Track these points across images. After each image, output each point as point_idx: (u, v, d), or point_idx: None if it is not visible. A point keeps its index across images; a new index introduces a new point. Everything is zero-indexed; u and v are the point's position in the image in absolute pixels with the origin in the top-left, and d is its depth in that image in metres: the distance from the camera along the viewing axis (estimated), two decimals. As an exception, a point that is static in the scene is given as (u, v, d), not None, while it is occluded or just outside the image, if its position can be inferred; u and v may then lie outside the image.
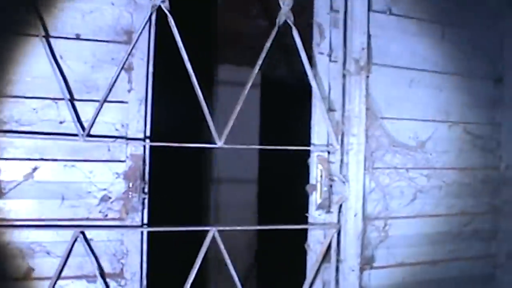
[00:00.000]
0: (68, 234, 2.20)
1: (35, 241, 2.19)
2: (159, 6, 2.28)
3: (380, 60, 2.70)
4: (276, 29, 2.46)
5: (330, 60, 2.64)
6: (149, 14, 2.26)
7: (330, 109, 2.63)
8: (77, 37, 2.24)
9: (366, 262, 2.65)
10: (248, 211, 5.08)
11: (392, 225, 2.72)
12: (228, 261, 2.39)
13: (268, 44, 2.43)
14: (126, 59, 2.25)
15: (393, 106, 2.74)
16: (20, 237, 2.17)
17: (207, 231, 2.39)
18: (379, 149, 2.69)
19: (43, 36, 2.16)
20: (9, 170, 2.16)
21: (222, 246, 2.36)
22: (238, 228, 2.43)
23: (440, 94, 2.84)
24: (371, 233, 2.67)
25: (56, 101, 2.20)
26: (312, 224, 2.60)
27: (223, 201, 5.11)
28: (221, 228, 2.39)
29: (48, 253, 2.20)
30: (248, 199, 5.20)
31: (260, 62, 2.43)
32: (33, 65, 2.18)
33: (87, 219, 2.26)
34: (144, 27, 2.27)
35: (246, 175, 5.19)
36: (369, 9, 2.64)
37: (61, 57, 2.21)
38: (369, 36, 2.66)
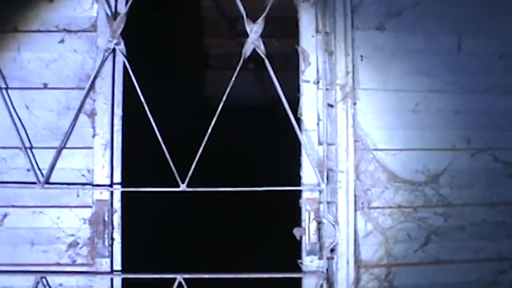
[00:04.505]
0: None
1: (7, 285, 2.27)
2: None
3: (374, 84, 2.36)
4: (242, 60, 2.29)
5: (318, 88, 2.39)
6: (103, 58, 2.26)
7: (320, 143, 2.37)
8: (45, 87, 2.31)
9: (363, 319, 2.31)
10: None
11: (399, 274, 2.34)
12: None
13: (235, 75, 2.27)
14: (81, 106, 2.27)
15: (395, 136, 2.37)
16: (-7, 282, 2.28)
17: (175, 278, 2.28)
18: (376, 186, 2.34)
19: (3, 88, 2.27)
20: (-18, 217, 2.29)
21: (189, 294, 2.24)
22: (206, 276, 2.27)
23: (457, 117, 2.39)
24: (369, 283, 2.32)
25: (22, 149, 2.28)
26: (300, 272, 2.34)
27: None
28: (187, 276, 2.26)
29: (19, 298, 2.28)
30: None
31: (228, 90, 2.27)
32: (3, 116, 2.29)
33: (58, 264, 2.30)
34: (98, 71, 2.27)
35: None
36: (353, 27, 2.34)
37: (27, 107, 2.30)
38: (358, 58, 2.35)
